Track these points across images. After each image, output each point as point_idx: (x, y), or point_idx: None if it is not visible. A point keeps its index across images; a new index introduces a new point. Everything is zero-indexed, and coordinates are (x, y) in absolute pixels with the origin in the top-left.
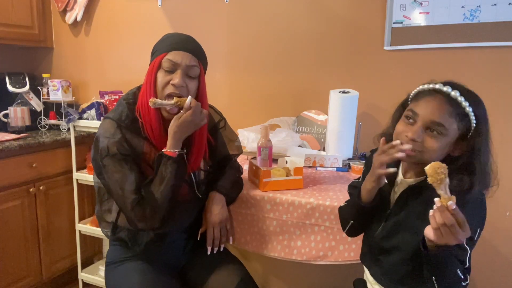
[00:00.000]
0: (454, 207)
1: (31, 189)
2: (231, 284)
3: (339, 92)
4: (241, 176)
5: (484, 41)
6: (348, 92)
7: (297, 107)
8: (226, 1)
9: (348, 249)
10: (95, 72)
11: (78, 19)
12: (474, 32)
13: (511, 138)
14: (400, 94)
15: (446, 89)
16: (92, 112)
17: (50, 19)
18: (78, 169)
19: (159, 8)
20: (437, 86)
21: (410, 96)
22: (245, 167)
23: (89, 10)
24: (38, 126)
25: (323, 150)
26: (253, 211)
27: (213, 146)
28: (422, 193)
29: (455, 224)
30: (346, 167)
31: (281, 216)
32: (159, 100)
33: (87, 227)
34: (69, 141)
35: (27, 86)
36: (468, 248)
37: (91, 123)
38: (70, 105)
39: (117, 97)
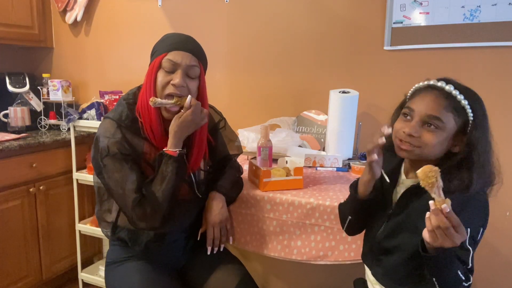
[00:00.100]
0: (448, 210)
1: (31, 189)
2: (231, 284)
3: (339, 92)
4: (241, 176)
5: (484, 41)
6: (348, 92)
7: (297, 107)
8: (226, 1)
9: (348, 249)
10: (95, 72)
11: (78, 19)
12: (474, 32)
13: (511, 138)
14: (400, 94)
15: (441, 84)
16: (92, 112)
17: (50, 19)
18: (78, 169)
19: (159, 8)
20: (432, 82)
21: (407, 96)
22: (245, 167)
23: (89, 10)
24: (38, 126)
25: (323, 150)
26: (253, 211)
27: (213, 146)
28: (424, 193)
29: (450, 227)
30: (346, 167)
31: (281, 216)
32: (159, 99)
33: (87, 227)
34: (69, 141)
35: (27, 86)
36: (470, 249)
37: (91, 123)
38: (70, 105)
39: (117, 97)
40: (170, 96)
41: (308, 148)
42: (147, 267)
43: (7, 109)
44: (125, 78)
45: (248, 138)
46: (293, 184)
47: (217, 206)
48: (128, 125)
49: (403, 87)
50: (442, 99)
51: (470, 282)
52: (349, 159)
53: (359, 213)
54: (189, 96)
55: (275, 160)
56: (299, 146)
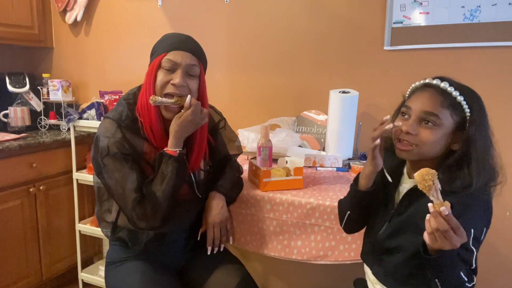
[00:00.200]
0: (446, 212)
1: (31, 189)
2: (231, 284)
3: (339, 92)
4: (241, 176)
5: (484, 41)
6: (348, 92)
7: (297, 107)
8: (226, 1)
9: (348, 249)
10: (95, 72)
11: (78, 19)
12: (474, 32)
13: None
14: (400, 94)
15: (436, 81)
16: (92, 112)
17: (50, 19)
18: (78, 169)
19: (159, 8)
20: (427, 80)
21: (406, 96)
22: (245, 167)
23: (89, 10)
24: (38, 126)
25: (323, 150)
26: (253, 211)
27: (213, 146)
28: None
29: (449, 230)
30: (346, 167)
31: (281, 216)
32: (159, 98)
33: (87, 227)
34: (69, 141)
35: (27, 86)
36: (474, 249)
37: (91, 123)
38: (70, 105)
39: (117, 97)
40: (170, 95)
41: (308, 148)
42: (147, 267)
43: (7, 109)
44: (125, 78)
45: (248, 138)
46: (293, 184)
47: (217, 206)
48: (128, 125)
49: (403, 87)
50: (438, 96)
51: (474, 283)
52: (349, 159)
53: (359, 207)
54: (189, 95)
55: (275, 160)
56: (299, 146)
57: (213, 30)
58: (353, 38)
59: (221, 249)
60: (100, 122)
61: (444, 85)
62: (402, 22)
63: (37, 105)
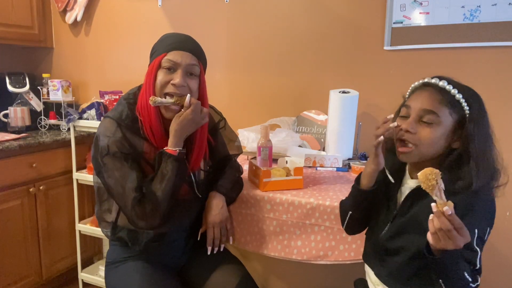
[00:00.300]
0: (449, 212)
1: (31, 189)
2: (231, 284)
3: (339, 92)
4: (241, 176)
5: (484, 41)
6: (348, 92)
7: (297, 107)
8: (226, 1)
9: (348, 249)
10: (95, 72)
11: (78, 19)
12: (474, 32)
13: None
14: (400, 94)
15: (435, 80)
16: (92, 112)
17: (50, 19)
18: (78, 169)
19: (159, 8)
20: (426, 80)
21: (406, 97)
22: (245, 167)
23: (89, 10)
24: (38, 126)
25: (323, 150)
26: (253, 211)
27: (213, 146)
28: (428, 194)
29: (452, 229)
30: (346, 167)
31: (281, 216)
32: (159, 98)
33: (87, 227)
34: (69, 141)
35: (27, 86)
36: (478, 250)
37: (91, 123)
38: (70, 105)
39: (117, 97)
40: (170, 95)
41: (308, 148)
42: (147, 267)
43: (7, 109)
44: (125, 78)
45: (248, 138)
46: (293, 184)
47: (217, 206)
48: (128, 125)
49: (403, 87)
50: (437, 94)
51: (478, 283)
52: (349, 159)
53: (361, 206)
54: (188, 95)
55: (275, 160)
56: (299, 146)
57: (213, 30)
58: (353, 38)
59: (221, 249)
60: (100, 122)
61: (442, 83)
62: (402, 22)
63: (37, 105)
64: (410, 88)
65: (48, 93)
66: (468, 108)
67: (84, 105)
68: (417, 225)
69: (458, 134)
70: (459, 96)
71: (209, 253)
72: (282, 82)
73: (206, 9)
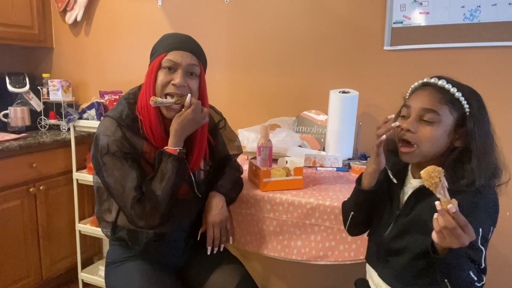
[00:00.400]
0: (454, 210)
1: (31, 189)
2: (231, 284)
3: (339, 92)
4: (241, 176)
5: (484, 41)
6: (348, 92)
7: (297, 107)
8: (226, 1)
9: (348, 249)
10: (95, 72)
11: (78, 19)
12: (474, 32)
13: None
14: (400, 94)
15: (434, 80)
16: (92, 112)
17: (50, 19)
18: (78, 169)
19: (159, 8)
20: (425, 80)
21: (406, 98)
22: (245, 167)
23: (89, 10)
24: (38, 126)
25: (323, 150)
26: (253, 211)
27: (213, 146)
28: (431, 193)
29: (457, 227)
30: (346, 167)
31: (281, 216)
32: (159, 99)
33: (87, 227)
34: (69, 141)
35: (27, 86)
36: (483, 249)
37: (91, 123)
38: (70, 105)
39: (117, 97)
40: (170, 95)
41: (308, 148)
42: (147, 267)
43: (7, 109)
44: (125, 78)
45: (248, 138)
46: (293, 184)
47: (217, 206)
48: (128, 124)
49: (403, 87)
50: (436, 93)
51: (483, 282)
52: (349, 159)
53: (362, 206)
54: (189, 94)
55: (275, 160)
56: (299, 146)
57: (213, 30)
58: (353, 38)
59: (221, 249)
60: (100, 121)
61: (441, 82)
62: (402, 22)
63: (37, 105)
64: (410, 88)
65: (48, 93)
66: (468, 106)
67: (84, 105)
68: (420, 225)
69: (459, 133)
70: (458, 94)
71: (209, 253)
72: (282, 82)
73: (206, 9)
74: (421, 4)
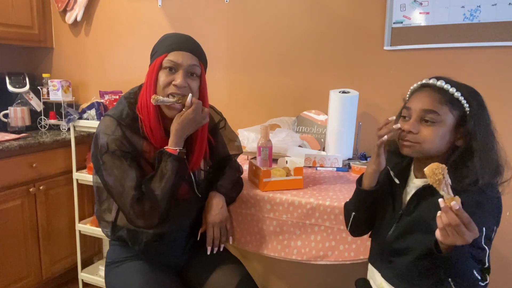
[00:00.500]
0: (457, 207)
1: (31, 189)
2: (231, 284)
3: (339, 92)
4: (241, 176)
5: (484, 41)
6: (348, 92)
7: (297, 107)
8: (226, 1)
9: (348, 249)
10: (95, 72)
11: (78, 19)
12: (474, 32)
13: None
14: (400, 94)
15: (432, 81)
16: (92, 112)
17: (50, 19)
18: (78, 169)
19: (159, 8)
20: (424, 81)
21: (406, 99)
22: (245, 167)
23: (89, 10)
24: (38, 126)
25: (323, 150)
26: (253, 211)
27: (213, 146)
28: (434, 192)
29: (460, 224)
30: (346, 167)
31: (281, 216)
32: (161, 97)
33: (87, 227)
34: (69, 141)
35: (27, 86)
36: (486, 248)
37: (91, 123)
38: (70, 105)
39: (117, 97)
40: (172, 95)
41: (308, 148)
42: (147, 267)
43: (7, 109)
44: (125, 78)
45: (248, 138)
46: (293, 184)
47: (217, 206)
48: (128, 124)
49: (403, 87)
50: (436, 94)
51: (487, 282)
52: (349, 159)
53: (363, 207)
54: (190, 94)
55: (275, 160)
56: (299, 146)
57: (213, 30)
58: (353, 38)
59: (221, 249)
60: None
61: (440, 83)
62: (402, 22)
63: (37, 105)
64: (409, 90)
65: (48, 93)
66: (468, 105)
67: (84, 105)
68: (423, 225)
69: (460, 132)
70: (458, 94)
71: (209, 253)
72: (282, 82)
73: (206, 9)
74: (421, 4)
